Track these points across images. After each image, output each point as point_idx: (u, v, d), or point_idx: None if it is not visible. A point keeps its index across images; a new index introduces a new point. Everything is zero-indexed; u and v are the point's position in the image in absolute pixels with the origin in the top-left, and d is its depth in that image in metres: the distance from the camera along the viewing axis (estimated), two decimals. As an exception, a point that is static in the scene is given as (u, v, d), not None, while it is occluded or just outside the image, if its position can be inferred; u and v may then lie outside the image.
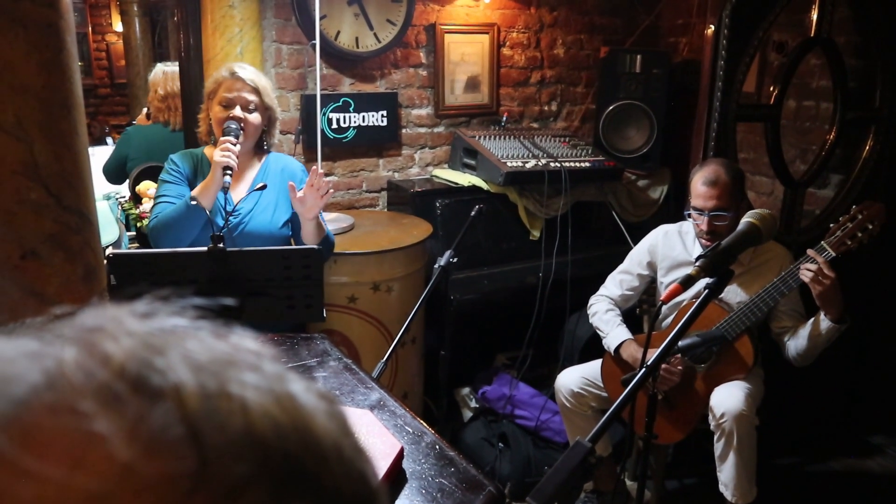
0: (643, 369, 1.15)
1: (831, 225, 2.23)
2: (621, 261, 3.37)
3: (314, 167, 2.10)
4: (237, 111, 2.12)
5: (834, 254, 2.19)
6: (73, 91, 0.89)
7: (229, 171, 1.98)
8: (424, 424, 1.21)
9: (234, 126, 2.07)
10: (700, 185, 2.37)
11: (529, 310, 3.15)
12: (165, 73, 3.37)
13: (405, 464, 1.10)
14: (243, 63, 2.29)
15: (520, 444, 3.03)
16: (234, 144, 2.03)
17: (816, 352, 2.35)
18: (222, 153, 2.00)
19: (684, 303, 2.52)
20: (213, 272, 1.80)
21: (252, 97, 2.14)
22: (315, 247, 1.83)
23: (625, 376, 1.76)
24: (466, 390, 3.28)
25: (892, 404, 3.38)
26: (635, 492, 2.78)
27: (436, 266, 2.22)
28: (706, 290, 1.16)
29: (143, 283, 1.82)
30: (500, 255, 3.27)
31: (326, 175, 3.21)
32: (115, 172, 3.49)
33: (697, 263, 1.18)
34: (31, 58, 0.82)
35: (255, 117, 2.15)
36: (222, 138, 2.05)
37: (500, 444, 3.06)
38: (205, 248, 1.76)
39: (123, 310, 0.32)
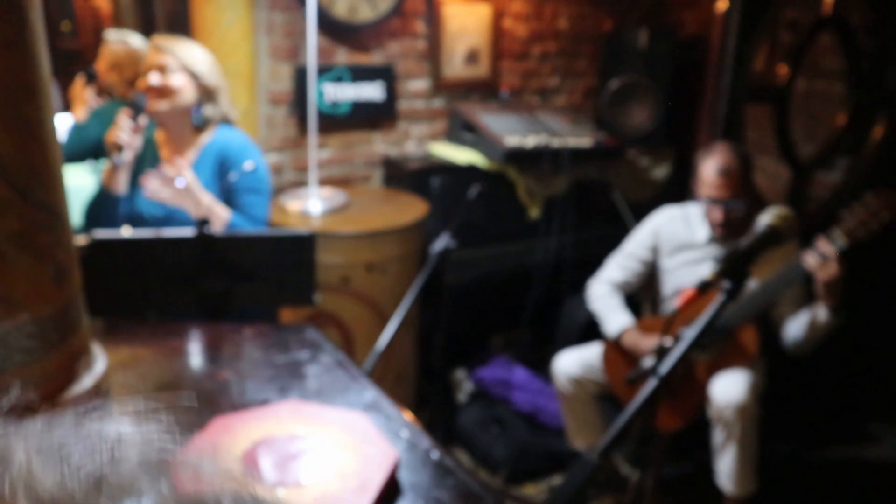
0: (654, 377, 1.09)
1: (842, 212, 2.16)
2: (622, 242, 3.31)
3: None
4: (150, 77, 1.97)
5: (845, 242, 2.12)
6: (39, 73, 0.79)
7: (118, 150, 1.87)
8: (420, 428, 1.15)
9: (140, 99, 1.93)
10: (712, 173, 2.29)
11: (526, 290, 3.09)
12: (128, 54, 2.93)
13: (400, 474, 1.04)
14: (170, 37, 2.10)
15: (515, 428, 2.99)
16: (133, 119, 1.89)
17: (814, 343, 2.30)
18: (114, 130, 1.88)
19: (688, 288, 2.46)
20: (200, 257, 1.72)
21: (167, 59, 1.98)
22: (308, 232, 1.75)
23: (630, 374, 1.70)
24: (461, 373, 3.23)
25: (889, 392, 3.35)
26: (631, 478, 2.76)
27: (432, 249, 2.14)
28: (724, 295, 1.09)
29: (126, 267, 1.74)
30: (498, 235, 3.19)
31: (320, 148, 3.12)
32: (78, 154, 2.95)
33: (715, 268, 1.11)
34: (-13, 37, 0.72)
35: (173, 79, 1.98)
36: (119, 110, 1.93)
37: (495, 428, 3.01)
38: (191, 233, 1.67)
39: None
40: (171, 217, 2.00)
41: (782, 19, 2.83)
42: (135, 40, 2.99)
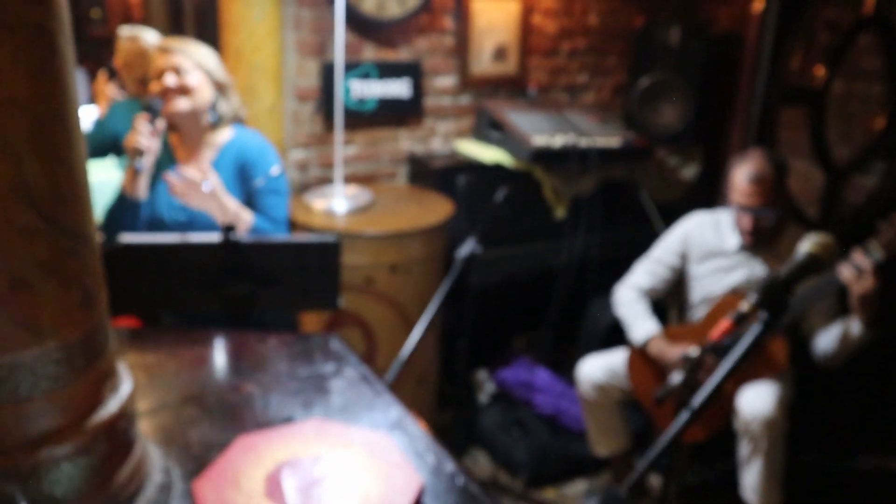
0: (689, 411, 1.06)
1: (881, 223, 2.10)
2: (649, 243, 3.24)
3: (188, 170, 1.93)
4: (166, 78, 1.94)
5: (882, 255, 2.06)
6: (68, 100, 0.78)
7: (139, 155, 1.84)
8: (445, 452, 1.13)
9: (155, 102, 1.90)
10: (744, 181, 2.24)
11: (551, 291, 3.05)
12: (139, 53, 2.90)
13: (424, 500, 1.03)
14: (176, 37, 2.08)
15: (537, 431, 2.97)
16: (151, 123, 1.86)
17: (845, 356, 2.24)
18: (132, 134, 1.84)
19: (717, 297, 2.41)
20: (225, 262, 1.72)
21: (180, 59, 1.96)
22: (332, 240, 1.73)
23: (659, 393, 1.68)
24: (483, 374, 3.21)
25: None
26: (654, 484, 2.73)
27: (458, 254, 2.12)
28: (761, 326, 1.05)
29: (151, 270, 1.74)
30: (523, 234, 3.16)
31: (346, 145, 3.10)
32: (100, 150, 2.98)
33: (753, 299, 1.07)
34: (17, 65, 0.71)
35: (190, 77, 1.96)
36: (137, 115, 1.89)
37: (516, 430, 3.00)
38: (216, 238, 1.67)
39: None
40: (193, 221, 1.99)
41: (821, 19, 2.75)
42: (148, 37, 2.99)
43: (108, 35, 7.62)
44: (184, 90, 1.96)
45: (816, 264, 1.18)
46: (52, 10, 0.73)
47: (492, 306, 3.05)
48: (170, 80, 1.95)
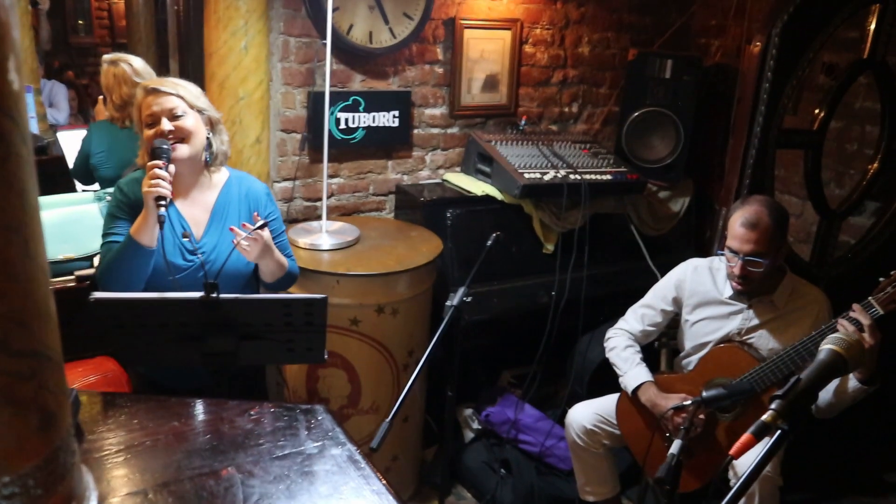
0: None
1: (881, 279, 2.06)
2: (638, 277, 3.20)
3: (255, 214, 1.90)
4: (164, 123, 1.84)
5: (882, 312, 2.02)
6: (24, 207, 0.70)
7: (163, 202, 1.72)
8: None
9: (163, 147, 1.79)
10: (739, 225, 2.18)
11: (540, 326, 2.99)
12: (116, 76, 2.87)
13: None
14: (163, 78, 1.97)
15: (523, 471, 2.90)
16: (164, 168, 1.75)
17: (840, 408, 2.19)
18: (151, 181, 1.72)
19: (710, 346, 2.36)
20: (207, 317, 1.63)
21: (176, 102, 1.86)
22: (320, 296, 1.65)
23: (659, 473, 1.63)
24: (469, 411, 3.14)
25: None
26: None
27: (448, 304, 2.05)
28: (778, 435, 0.99)
29: (129, 327, 1.65)
30: (512, 269, 3.09)
31: (331, 177, 3.02)
32: (82, 172, 3.11)
33: (773, 407, 1.00)
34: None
35: (188, 121, 1.86)
36: (149, 163, 1.77)
37: (502, 469, 2.93)
38: (197, 296, 1.58)
39: None
40: (202, 267, 1.88)
41: (818, 62, 2.72)
42: (134, 62, 2.91)
43: (91, 44, 7.52)
44: (183, 134, 1.86)
45: (841, 364, 1.11)
46: (6, 107, 0.65)
47: (479, 342, 2.98)
48: (167, 125, 1.84)
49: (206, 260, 1.89)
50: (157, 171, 1.73)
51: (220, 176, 2.01)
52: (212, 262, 1.90)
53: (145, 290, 1.85)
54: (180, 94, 1.87)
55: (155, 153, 1.78)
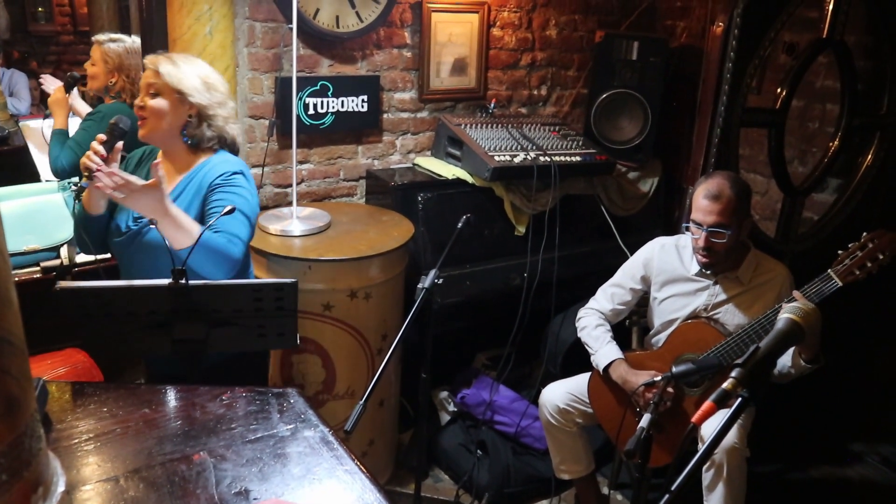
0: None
1: (839, 252, 2.11)
2: (609, 257, 3.23)
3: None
4: (139, 100, 1.88)
5: (840, 283, 2.08)
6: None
7: (86, 173, 1.71)
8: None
9: (118, 125, 1.78)
10: (702, 198, 2.23)
11: (513, 308, 3.01)
12: (128, 51, 2.88)
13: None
14: (161, 54, 1.96)
15: (499, 452, 2.94)
16: (105, 143, 1.73)
17: (790, 378, 2.26)
18: (87, 153, 1.73)
19: (678, 322, 2.41)
20: (175, 304, 1.63)
21: (152, 80, 1.87)
22: (289, 280, 1.65)
23: (629, 446, 1.66)
24: (444, 394, 3.16)
25: (871, 412, 3.35)
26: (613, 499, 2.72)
27: (420, 286, 2.06)
28: (739, 402, 1.02)
29: (96, 316, 1.64)
30: (484, 252, 3.11)
31: (301, 163, 3.01)
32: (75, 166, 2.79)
33: (734, 375, 1.03)
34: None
35: (156, 102, 1.86)
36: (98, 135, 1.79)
37: (478, 451, 2.96)
38: (165, 282, 1.57)
39: None
40: (140, 232, 1.89)
41: (780, 41, 2.77)
42: (129, 39, 2.91)
43: (52, 31, 7.34)
44: (144, 115, 1.88)
45: (798, 332, 1.15)
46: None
47: (453, 325, 3.00)
48: (138, 100, 1.89)
49: (142, 230, 1.89)
50: (94, 143, 1.73)
51: (197, 161, 1.96)
52: (144, 233, 1.89)
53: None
54: (161, 71, 1.87)
55: (110, 129, 1.77)
